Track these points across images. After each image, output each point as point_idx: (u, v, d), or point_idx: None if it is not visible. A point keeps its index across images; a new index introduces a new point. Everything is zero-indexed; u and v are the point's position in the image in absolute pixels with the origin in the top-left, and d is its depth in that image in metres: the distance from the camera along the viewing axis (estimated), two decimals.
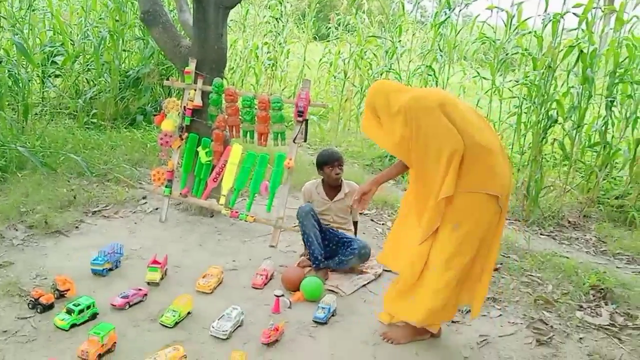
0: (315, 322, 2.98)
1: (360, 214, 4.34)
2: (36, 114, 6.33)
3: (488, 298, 3.44)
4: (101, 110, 6.72)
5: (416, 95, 2.70)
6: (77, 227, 4.02)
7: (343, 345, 2.81)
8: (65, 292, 2.96)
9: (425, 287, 2.71)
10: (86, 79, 7.24)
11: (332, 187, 3.81)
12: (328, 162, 3.72)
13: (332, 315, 3.07)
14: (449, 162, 2.57)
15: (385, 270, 3.74)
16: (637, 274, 4.07)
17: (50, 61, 6.86)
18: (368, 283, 3.55)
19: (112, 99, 6.76)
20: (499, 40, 6.58)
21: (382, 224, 4.72)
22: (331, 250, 3.69)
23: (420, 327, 2.83)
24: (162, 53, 6.81)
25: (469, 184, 2.59)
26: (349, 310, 3.18)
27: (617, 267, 4.20)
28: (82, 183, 4.84)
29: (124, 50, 7.38)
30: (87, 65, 7.22)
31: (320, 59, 10.34)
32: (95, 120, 6.59)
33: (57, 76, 7.15)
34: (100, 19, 7.31)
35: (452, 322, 3.10)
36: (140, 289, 3.05)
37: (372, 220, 4.82)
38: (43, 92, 6.87)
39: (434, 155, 2.61)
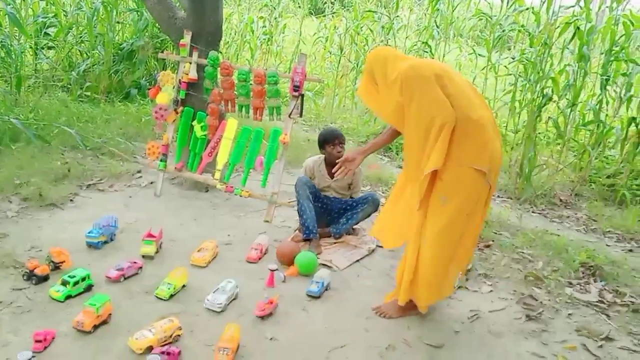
0: (309, 295, 3.02)
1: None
2: (29, 86, 6.27)
3: (479, 274, 3.50)
4: (95, 83, 6.66)
5: (414, 64, 2.72)
6: (71, 200, 4.02)
7: (336, 318, 2.85)
8: (60, 264, 2.98)
9: (422, 268, 2.75)
10: (79, 51, 7.16)
11: (334, 166, 3.82)
12: (329, 140, 3.74)
13: (326, 290, 3.11)
14: (438, 134, 2.58)
15: (379, 246, 3.78)
16: (626, 252, 4.13)
17: (42, 32, 6.77)
18: (362, 258, 3.59)
19: (105, 71, 6.69)
20: (495, 16, 6.54)
21: None
22: (332, 219, 3.79)
23: (413, 303, 2.88)
24: (157, 25, 6.73)
25: (459, 159, 2.61)
26: (342, 284, 3.22)
27: (607, 245, 4.26)
28: (76, 156, 4.82)
29: (118, 22, 7.28)
30: (80, 37, 7.13)
31: (316, 34, 10.23)
32: (88, 94, 6.53)
33: (50, 48, 7.05)
34: None
35: None
36: (135, 262, 3.07)
37: None
38: (36, 64, 6.79)
39: (424, 126, 2.62)
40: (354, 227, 3.92)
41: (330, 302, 3.01)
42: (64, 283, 2.73)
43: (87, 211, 3.85)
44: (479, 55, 7.27)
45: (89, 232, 3.31)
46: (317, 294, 3.01)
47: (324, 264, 3.42)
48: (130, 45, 6.89)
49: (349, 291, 3.15)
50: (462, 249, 2.81)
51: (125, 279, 2.97)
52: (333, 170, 3.29)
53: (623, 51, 5.41)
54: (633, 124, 5.35)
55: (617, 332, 2.97)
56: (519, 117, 6.11)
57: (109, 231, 3.40)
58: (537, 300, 3.23)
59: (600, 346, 2.81)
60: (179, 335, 2.50)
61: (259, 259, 3.41)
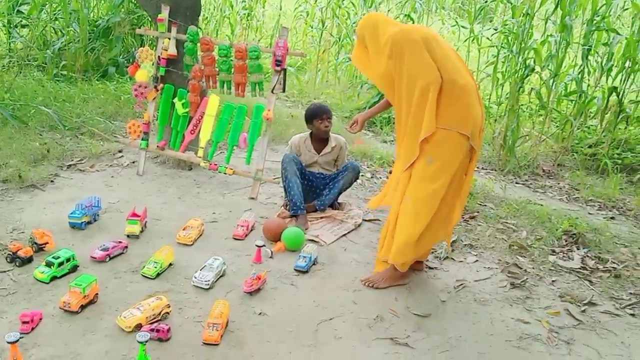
0: (297, 270, 3.03)
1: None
2: (3, 66, 6.10)
3: (465, 245, 3.54)
4: (71, 61, 6.50)
5: (404, 28, 2.81)
6: (52, 181, 3.95)
7: (324, 292, 2.86)
8: (43, 246, 2.94)
9: (400, 223, 2.81)
10: (54, 28, 6.97)
11: (320, 141, 3.84)
12: (317, 115, 3.74)
13: (313, 264, 3.11)
14: (424, 95, 2.66)
15: (365, 220, 3.79)
16: (608, 219, 4.20)
17: (15, 10, 6.56)
18: (348, 233, 3.60)
19: (81, 49, 6.52)
20: None
21: (362, 175, 4.74)
22: (318, 195, 3.82)
23: (399, 272, 2.92)
24: (133, 0, 6.56)
25: (444, 121, 2.69)
26: (329, 259, 3.23)
27: (589, 214, 4.33)
28: (55, 137, 4.73)
29: None
30: (55, 14, 6.93)
31: (296, 9, 10.08)
32: (65, 72, 6.38)
33: (23, 26, 6.86)
34: None
35: (430, 268, 3.18)
36: (120, 242, 3.04)
37: None
38: (10, 43, 6.60)
39: (412, 89, 2.70)
40: (340, 202, 3.93)
41: (318, 277, 3.02)
42: (49, 264, 2.70)
43: (68, 192, 3.79)
44: (462, 27, 7.24)
45: (71, 213, 3.26)
46: (305, 269, 3.02)
47: (311, 239, 3.42)
48: (107, 22, 6.72)
49: (336, 265, 3.17)
50: (447, 213, 2.87)
51: (110, 258, 2.95)
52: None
53: (604, 21, 5.42)
54: (614, 94, 5.39)
55: (599, 297, 3.03)
56: (502, 88, 6.12)
57: (92, 211, 3.36)
58: (521, 268, 3.28)
59: (583, 311, 2.87)
60: (167, 313, 2.49)
61: (245, 235, 3.40)
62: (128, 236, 3.20)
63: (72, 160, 4.34)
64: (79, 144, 4.68)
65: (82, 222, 3.26)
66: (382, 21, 2.92)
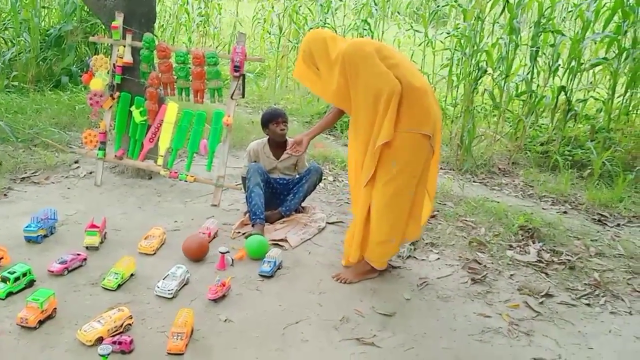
0: (262, 275, 3.02)
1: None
2: None
3: (426, 243, 3.61)
4: (22, 72, 6.32)
5: (354, 42, 2.83)
6: (5, 194, 3.83)
7: (290, 296, 2.87)
8: None
9: (372, 227, 2.90)
10: (3, 38, 6.75)
11: (278, 146, 3.83)
12: (272, 118, 3.73)
13: (278, 269, 3.11)
14: (386, 105, 2.70)
15: (329, 223, 3.82)
16: (561, 214, 4.36)
17: None
18: (313, 237, 3.61)
19: (33, 59, 6.35)
20: None
21: (324, 178, 4.77)
22: (282, 201, 3.81)
23: (369, 266, 3.02)
24: (86, 8, 6.43)
25: (406, 125, 2.75)
26: (294, 262, 3.23)
27: (543, 209, 4.47)
28: (7, 149, 4.58)
29: (44, 7, 6.93)
30: (4, 24, 6.72)
31: (254, 16, 10.07)
32: (16, 83, 6.20)
33: None
34: None
35: (394, 267, 3.23)
36: (78, 254, 2.97)
37: None
38: None
39: (372, 100, 2.74)
40: (304, 205, 3.94)
41: (283, 281, 3.02)
42: (4, 280, 2.61)
43: (22, 205, 3.68)
44: (417, 31, 7.39)
45: (26, 227, 3.17)
46: (270, 274, 3.02)
47: (275, 243, 3.42)
48: (58, 31, 6.57)
49: (301, 268, 3.18)
50: (418, 208, 2.97)
51: (69, 272, 2.87)
52: (288, 150, 3.40)
53: (550, 23, 5.64)
54: (562, 93, 5.61)
55: (555, 288, 3.14)
56: (457, 90, 6.28)
57: (48, 224, 3.26)
58: (481, 264, 3.36)
59: (541, 302, 2.97)
60: (130, 325, 2.45)
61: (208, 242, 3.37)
62: (87, 248, 3.13)
63: (26, 173, 4.22)
64: (32, 155, 4.55)
65: (38, 236, 3.17)
66: (330, 37, 2.93)
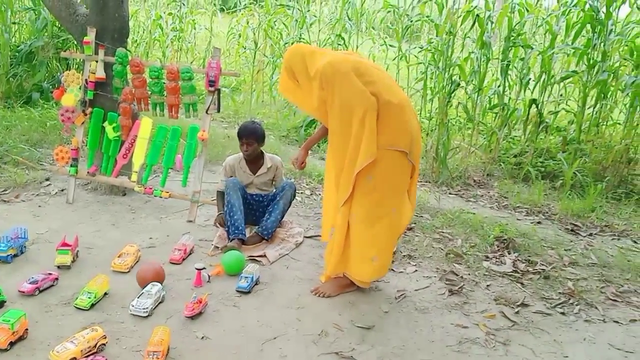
0: (239, 291, 2.99)
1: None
2: None
3: (404, 255, 3.62)
4: None
5: (331, 60, 2.79)
6: None
7: (268, 311, 2.84)
8: None
9: (352, 241, 2.89)
10: None
11: (255, 161, 3.81)
12: (238, 136, 3.72)
13: (256, 284, 3.08)
14: (361, 123, 2.70)
15: (306, 237, 3.80)
16: (535, 224, 4.43)
17: None
18: (290, 252, 3.59)
19: (3, 76, 6.22)
20: (402, 7, 6.76)
21: (301, 192, 4.77)
22: (258, 218, 3.76)
23: (348, 280, 3.01)
24: (57, 23, 6.35)
25: (382, 141, 2.74)
26: (271, 277, 3.21)
27: (517, 220, 4.54)
28: None
29: (14, 23, 6.81)
30: None
31: (229, 31, 10.08)
32: None
33: None
34: None
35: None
36: (50, 274, 2.89)
37: None
38: None
39: (347, 117, 2.74)
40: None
41: (261, 296, 2.99)
42: None
43: None
44: (390, 46, 7.48)
45: None
46: (247, 289, 2.98)
47: (252, 259, 3.38)
48: (29, 47, 6.46)
49: (278, 283, 3.15)
50: (400, 229, 3.00)
51: (40, 291, 2.79)
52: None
53: (520, 37, 5.78)
54: (533, 105, 5.73)
55: (531, 298, 3.18)
56: (432, 103, 6.36)
57: (18, 243, 3.18)
58: (458, 275, 3.39)
59: (517, 312, 3.00)
60: (104, 344, 2.38)
61: (183, 259, 3.32)
62: (59, 267, 3.05)
63: None
64: (1, 174, 4.44)
65: (7, 255, 3.08)
66: (309, 53, 2.92)
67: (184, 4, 9.74)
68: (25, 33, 7.01)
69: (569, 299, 3.18)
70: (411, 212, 3.04)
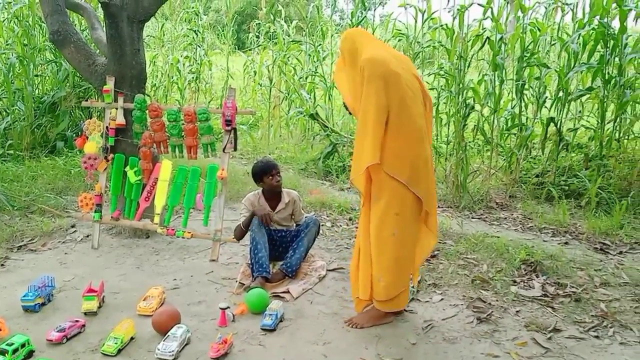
0: (264, 329, 2.97)
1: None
2: None
3: (429, 284, 3.56)
4: (17, 140, 6.39)
5: (372, 58, 2.79)
6: (2, 264, 3.80)
7: (293, 349, 2.81)
8: None
9: (373, 265, 2.92)
10: None
11: (273, 198, 3.84)
12: (267, 171, 3.77)
13: (280, 321, 3.06)
14: (369, 125, 2.73)
15: (329, 270, 3.78)
16: (562, 245, 4.33)
17: None
18: (314, 286, 3.57)
19: (27, 127, 6.44)
20: (412, 35, 6.83)
21: (322, 224, 4.76)
22: (280, 254, 3.76)
23: (382, 311, 2.99)
24: (78, 74, 6.57)
25: (386, 165, 2.76)
26: (296, 313, 3.18)
27: (543, 241, 4.45)
28: (3, 218, 4.58)
29: (37, 75, 7.07)
30: None
31: (245, 69, 10.29)
32: (11, 152, 6.25)
33: None
34: (7, 44, 6.95)
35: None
36: (77, 321, 2.92)
37: None
38: None
39: (362, 118, 2.79)
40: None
41: (286, 333, 2.96)
42: (2, 353, 2.55)
43: (20, 274, 3.65)
44: None
45: (23, 296, 3.13)
46: (272, 327, 2.97)
47: (276, 295, 3.37)
48: (52, 97, 6.69)
49: (303, 319, 3.12)
50: (406, 253, 2.95)
51: (67, 339, 2.82)
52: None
53: (534, 57, 5.77)
54: (552, 124, 5.68)
55: (563, 322, 3.09)
56: (448, 128, 6.35)
57: (46, 292, 3.23)
58: (485, 302, 3.32)
59: (549, 338, 2.91)
60: None
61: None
62: (85, 314, 3.08)
63: (23, 241, 4.20)
64: (29, 223, 4.55)
65: (35, 305, 3.13)
66: (360, 40, 2.93)
67: (199, 46, 10.00)
68: (48, 84, 7.26)
69: (603, 322, 3.07)
70: (433, 240, 3.02)
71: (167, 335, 2.76)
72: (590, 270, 3.75)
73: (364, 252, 2.95)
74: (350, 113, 3.13)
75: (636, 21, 5.36)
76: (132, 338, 2.83)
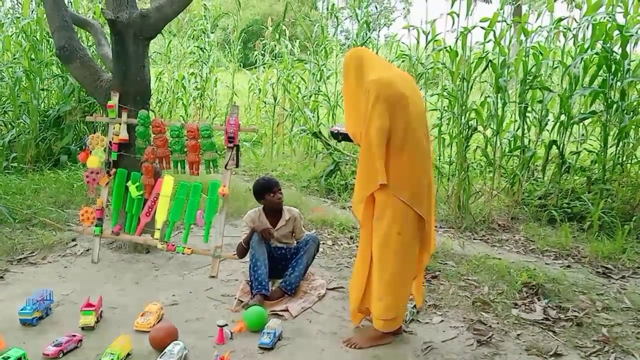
0: (262, 348, 2.94)
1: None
2: None
3: (429, 305, 3.54)
4: (21, 153, 6.42)
5: (380, 80, 2.79)
6: (1, 277, 3.79)
7: None
8: None
9: (374, 284, 2.90)
10: (3, 121, 6.92)
11: (274, 215, 3.85)
12: (268, 189, 3.78)
13: (279, 340, 3.04)
14: (375, 150, 2.74)
15: (329, 289, 3.76)
16: (564, 268, 4.30)
17: None
18: (313, 305, 3.54)
19: (32, 140, 6.48)
20: (415, 56, 6.88)
21: (323, 242, 4.75)
22: (279, 271, 3.73)
23: (380, 332, 2.96)
24: (83, 89, 6.62)
25: (390, 185, 2.76)
26: (294, 332, 3.16)
27: (545, 264, 4.42)
28: (4, 230, 4.58)
29: (42, 90, 7.12)
30: (3, 107, 6.90)
31: (250, 87, 10.37)
32: (15, 164, 6.28)
33: None
34: (14, 59, 7.03)
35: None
36: (74, 335, 2.90)
37: None
38: None
39: (365, 142, 2.81)
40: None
41: (284, 352, 2.94)
42: None
43: (19, 287, 3.63)
44: None
45: (21, 309, 3.11)
46: (270, 346, 2.94)
47: (274, 314, 3.35)
48: (57, 112, 6.74)
49: (301, 338, 3.10)
50: (407, 272, 2.93)
51: (64, 354, 2.79)
52: None
53: (536, 80, 5.80)
54: (554, 146, 5.68)
55: (564, 347, 3.05)
56: (450, 149, 6.36)
57: (44, 305, 3.21)
58: (486, 324, 3.28)
59: None
60: None
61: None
62: (82, 328, 3.06)
63: (23, 254, 4.20)
64: (29, 236, 4.54)
65: (33, 318, 3.11)
66: (367, 60, 2.95)
67: (205, 63, 10.08)
68: (54, 99, 7.32)
69: (604, 347, 3.04)
70: (426, 260, 3.05)
71: (163, 352, 2.73)
72: (592, 294, 3.72)
73: (362, 268, 2.95)
74: (351, 140, 3.15)
75: (634, 47, 5.40)
76: (128, 354, 2.81)
